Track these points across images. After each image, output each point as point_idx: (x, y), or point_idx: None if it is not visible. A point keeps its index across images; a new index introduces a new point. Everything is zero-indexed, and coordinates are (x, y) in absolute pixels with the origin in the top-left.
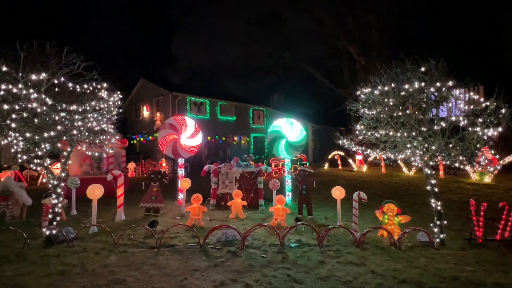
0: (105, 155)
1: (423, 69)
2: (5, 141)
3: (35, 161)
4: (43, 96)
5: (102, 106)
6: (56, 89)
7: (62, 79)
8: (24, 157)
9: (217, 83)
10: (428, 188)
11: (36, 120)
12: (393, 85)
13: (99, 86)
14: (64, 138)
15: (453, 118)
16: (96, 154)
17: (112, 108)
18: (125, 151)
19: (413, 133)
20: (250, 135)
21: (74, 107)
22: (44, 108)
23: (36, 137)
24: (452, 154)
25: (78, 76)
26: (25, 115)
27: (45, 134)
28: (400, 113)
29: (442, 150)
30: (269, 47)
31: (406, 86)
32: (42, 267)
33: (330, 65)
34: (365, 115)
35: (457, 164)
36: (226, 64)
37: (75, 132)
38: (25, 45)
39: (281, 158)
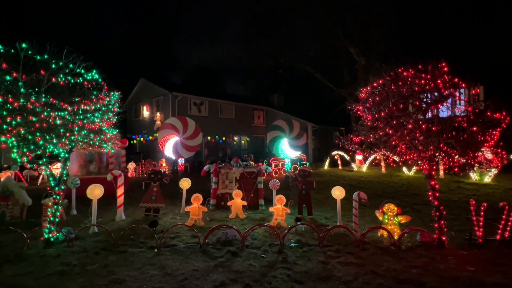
0: (105, 156)
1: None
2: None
3: (35, 161)
4: (43, 96)
5: (102, 106)
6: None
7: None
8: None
9: (217, 83)
10: (428, 188)
11: (36, 120)
12: (393, 85)
13: (99, 86)
14: (64, 138)
15: (453, 118)
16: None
17: (111, 107)
18: (125, 151)
19: (413, 133)
20: (250, 135)
21: (74, 107)
22: (45, 108)
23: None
24: (452, 154)
25: (79, 76)
26: (25, 115)
27: (45, 134)
28: (400, 113)
29: (442, 150)
30: (269, 47)
31: (406, 86)
32: (42, 267)
33: (330, 65)
34: (365, 114)
35: (457, 164)
36: (226, 64)
37: (75, 132)
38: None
39: (281, 158)
